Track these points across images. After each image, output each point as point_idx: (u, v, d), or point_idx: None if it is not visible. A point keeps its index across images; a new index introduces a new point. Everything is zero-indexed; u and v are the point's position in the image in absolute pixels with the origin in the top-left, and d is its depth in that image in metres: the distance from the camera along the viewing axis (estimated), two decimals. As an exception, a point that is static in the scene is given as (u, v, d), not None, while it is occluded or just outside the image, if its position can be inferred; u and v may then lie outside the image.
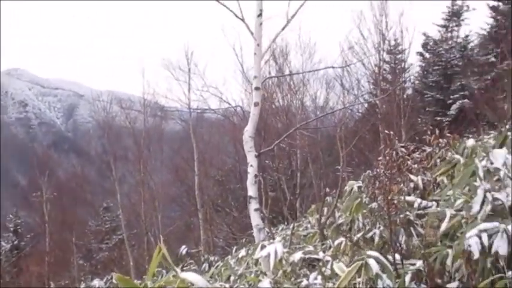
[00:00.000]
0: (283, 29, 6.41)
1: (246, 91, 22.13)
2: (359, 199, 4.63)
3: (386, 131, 5.96)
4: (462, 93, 19.85)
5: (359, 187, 4.80)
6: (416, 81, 23.85)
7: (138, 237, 26.85)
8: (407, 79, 24.57)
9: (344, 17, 24.70)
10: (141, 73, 26.12)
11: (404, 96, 25.01)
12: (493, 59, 19.20)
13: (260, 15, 6.10)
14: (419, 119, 21.37)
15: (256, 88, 6.21)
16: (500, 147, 4.36)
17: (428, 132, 5.39)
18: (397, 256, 3.93)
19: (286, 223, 14.86)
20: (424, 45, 22.72)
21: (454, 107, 19.36)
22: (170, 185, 27.61)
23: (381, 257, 3.11)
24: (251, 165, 6.21)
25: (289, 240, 7.66)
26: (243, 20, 6.27)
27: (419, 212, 4.70)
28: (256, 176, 6.18)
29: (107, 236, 31.46)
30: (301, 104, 23.59)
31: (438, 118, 20.43)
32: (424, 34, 22.57)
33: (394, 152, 5.13)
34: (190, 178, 23.36)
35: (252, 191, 6.16)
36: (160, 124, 27.84)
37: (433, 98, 21.12)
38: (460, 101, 19.23)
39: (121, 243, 28.05)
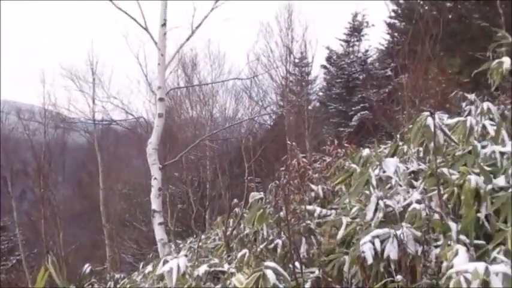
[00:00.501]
0: (187, 39, 6.35)
1: (150, 102, 21.72)
2: (261, 210, 4.65)
3: (288, 142, 6.09)
4: (362, 105, 20.94)
5: (261, 198, 4.83)
6: (321, 93, 24.84)
7: (39, 258, 25.17)
8: (313, 91, 25.56)
9: (253, 29, 24.99)
10: (41, 82, 24.66)
11: (310, 107, 25.97)
12: (390, 73, 20.48)
13: (164, 24, 5.98)
14: (323, 130, 22.25)
15: (161, 99, 6.06)
16: (392, 156, 4.61)
17: (328, 143, 5.60)
18: (298, 265, 3.99)
19: (195, 236, 14.70)
20: (328, 59, 23.75)
21: (355, 118, 20.36)
22: (73, 200, 26.26)
23: (279, 268, 3.12)
24: (155, 178, 6.03)
25: (196, 254, 7.54)
26: (146, 29, 6.12)
27: (319, 220, 4.82)
28: (160, 189, 6.01)
29: (4, 258, 29.18)
30: (210, 115, 23.61)
31: (341, 129, 21.40)
32: (328, 48, 23.62)
33: (296, 163, 5.24)
34: (95, 193, 22.40)
35: (155, 204, 5.97)
36: (62, 136, 26.42)
37: (336, 110, 22.08)
38: (361, 113, 20.26)
39: (19, 264, 26.13)
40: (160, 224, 5.96)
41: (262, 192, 4.84)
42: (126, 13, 5.90)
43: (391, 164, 4.12)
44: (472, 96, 7.24)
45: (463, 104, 6.84)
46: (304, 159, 5.20)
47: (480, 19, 10.79)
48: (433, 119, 3.54)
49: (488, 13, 10.62)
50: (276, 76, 21.53)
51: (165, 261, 4.46)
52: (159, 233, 5.95)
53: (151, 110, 22.00)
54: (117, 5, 5.90)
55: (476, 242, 3.46)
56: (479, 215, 3.53)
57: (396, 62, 10.91)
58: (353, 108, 21.19)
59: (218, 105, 24.49)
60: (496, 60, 4.72)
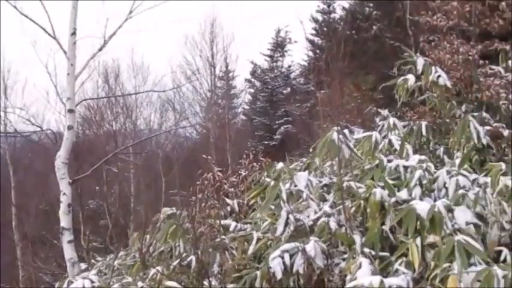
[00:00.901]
0: (100, 49, 6.15)
1: (60, 113, 20.72)
2: (174, 226, 4.53)
3: (203, 156, 6.04)
4: (286, 118, 21.34)
5: (173, 213, 4.72)
6: (246, 107, 25.06)
7: None
8: (239, 104, 25.74)
9: (179, 42, 24.72)
10: None
11: (236, 120, 26.10)
12: (312, 88, 21.08)
13: (74, 33, 5.75)
14: (248, 143, 22.40)
15: (70, 110, 5.80)
16: (306, 170, 4.68)
17: (244, 156, 5.60)
18: (209, 282, 3.92)
19: (115, 252, 14.12)
20: (252, 73, 24.04)
21: (279, 131, 20.68)
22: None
23: (178, 286, 3.04)
24: (64, 194, 5.75)
25: (112, 271, 7.22)
26: (54, 37, 5.84)
27: (235, 235, 4.78)
28: (69, 205, 5.74)
29: None
30: (134, 127, 23.01)
31: (266, 142, 21.65)
32: (252, 62, 23.91)
33: (212, 177, 5.18)
34: (7, 209, 20.97)
35: (64, 221, 5.69)
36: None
37: (261, 123, 22.34)
38: (284, 126, 20.62)
39: None
40: (69, 242, 5.69)
41: (174, 208, 4.72)
42: (33, 21, 5.61)
43: (303, 178, 4.17)
44: (385, 112, 7.59)
45: (377, 119, 7.15)
46: (219, 173, 5.16)
47: (392, 39, 11.39)
48: (338, 134, 3.62)
49: (399, 34, 11.24)
50: (200, 89, 21.43)
51: (70, 282, 4.23)
52: (69, 252, 5.67)
53: (62, 122, 21.07)
54: (24, 11, 5.60)
55: (381, 254, 3.57)
56: (384, 227, 3.65)
57: (314, 78, 11.23)
58: (277, 122, 21.54)
59: (142, 117, 23.94)
60: (402, 78, 4.95)
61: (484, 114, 5.72)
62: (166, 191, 17.74)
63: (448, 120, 5.80)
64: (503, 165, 3.69)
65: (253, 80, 24.17)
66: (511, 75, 5.76)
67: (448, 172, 3.95)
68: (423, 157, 4.19)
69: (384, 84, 5.32)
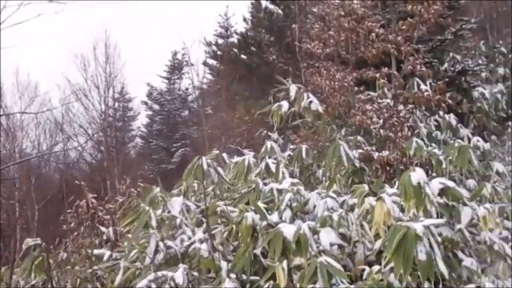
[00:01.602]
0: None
1: None
2: (40, 258, 4.19)
3: (77, 182, 5.69)
4: (184, 141, 21.13)
5: (38, 244, 4.36)
6: (143, 129, 24.49)
7: None
8: (137, 127, 25.07)
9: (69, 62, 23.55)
10: None
11: (133, 143, 25.40)
12: (210, 111, 21.14)
13: None
14: (145, 166, 21.85)
15: None
16: (184, 195, 4.58)
17: (122, 182, 5.38)
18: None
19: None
20: (149, 95, 23.61)
21: (177, 154, 20.40)
22: None
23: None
24: None
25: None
26: None
27: (108, 264, 4.53)
28: None
29: None
30: (20, 149, 21.45)
31: (163, 165, 21.24)
32: (149, 84, 23.51)
33: (85, 204, 4.90)
34: None
35: None
36: None
37: (158, 146, 21.91)
38: (182, 149, 20.39)
39: None
40: None
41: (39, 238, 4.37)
42: None
43: (177, 203, 4.06)
44: (274, 135, 7.76)
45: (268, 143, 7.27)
46: (93, 200, 4.88)
47: (284, 64, 11.77)
48: (208, 159, 3.58)
49: (290, 59, 11.66)
50: (92, 110, 20.53)
51: None
52: None
53: None
54: None
55: (252, 278, 3.55)
56: (255, 251, 3.64)
57: (208, 101, 11.27)
58: (174, 145, 21.26)
59: (30, 139, 22.41)
60: (276, 104, 5.07)
61: (359, 138, 6.06)
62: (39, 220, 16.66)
63: (328, 144, 6.04)
64: (366, 187, 3.86)
65: (149, 102, 23.72)
66: (386, 101, 6.16)
67: (319, 194, 4.07)
68: (295, 180, 4.28)
69: (260, 112, 5.43)
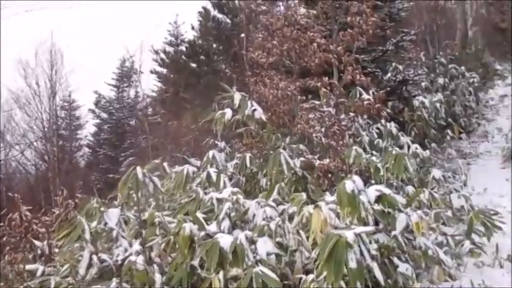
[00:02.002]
0: None
1: None
2: (-35, 275, 3.96)
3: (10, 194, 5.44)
4: (132, 150, 20.69)
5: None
6: (91, 138, 23.85)
7: None
8: (84, 136, 24.38)
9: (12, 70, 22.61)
10: None
11: (80, 153, 24.65)
12: (159, 119, 20.82)
13: None
14: (93, 176, 21.25)
15: None
16: (123, 206, 4.45)
17: (59, 193, 5.18)
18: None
19: None
20: (97, 104, 23.04)
21: (125, 164, 19.94)
22: None
23: None
24: None
25: None
26: None
27: (41, 280, 4.33)
28: None
29: None
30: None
31: (111, 175, 20.69)
32: (96, 92, 22.93)
33: (19, 217, 4.69)
34: None
35: None
36: None
37: (106, 155, 21.38)
38: (130, 158, 19.95)
39: None
40: None
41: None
42: None
43: (114, 215, 3.95)
44: (222, 144, 7.70)
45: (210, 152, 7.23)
46: (27, 213, 4.68)
47: (232, 72, 11.77)
48: (144, 169, 3.50)
49: (238, 68, 11.68)
50: (37, 120, 19.74)
51: None
52: None
53: None
54: None
55: (190, 289, 3.49)
56: (193, 262, 3.58)
57: (157, 110, 11.11)
58: (122, 154, 20.78)
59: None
60: (220, 111, 5.05)
61: (302, 146, 6.11)
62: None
63: (272, 152, 6.04)
64: (304, 196, 3.88)
65: (97, 110, 23.14)
66: (330, 109, 6.24)
67: (258, 203, 4.06)
68: (235, 189, 4.25)
69: (204, 120, 5.39)
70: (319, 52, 5.88)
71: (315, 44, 5.87)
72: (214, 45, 12.45)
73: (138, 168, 3.55)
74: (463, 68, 12.46)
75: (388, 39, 9.60)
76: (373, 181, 5.04)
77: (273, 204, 4.02)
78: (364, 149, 6.81)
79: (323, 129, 5.73)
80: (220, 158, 5.45)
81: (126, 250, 3.83)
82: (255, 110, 5.00)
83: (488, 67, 16.73)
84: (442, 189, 7.41)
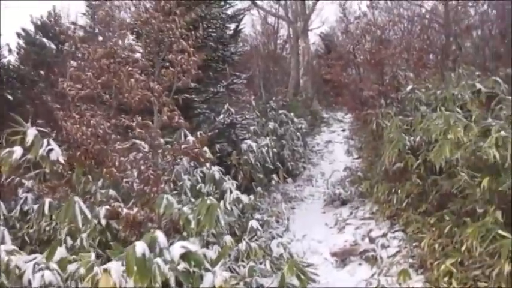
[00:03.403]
0: None
1: None
2: None
3: None
4: None
5: None
6: None
7: None
8: None
9: None
10: None
11: None
12: None
13: None
14: None
15: None
16: None
17: None
18: None
19: None
20: None
21: None
22: None
23: None
24: None
25: None
26: None
27: None
28: None
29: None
30: None
31: None
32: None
33: None
34: None
35: None
36: None
37: None
38: None
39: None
40: None
41: None
42: None
43: None
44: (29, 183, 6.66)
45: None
46: None
47: (52, 102, 10.59)
48: None
49: (60, 98, 10.56)
50: None
51: None
52: None
53: None
54: None
55: None
56: None
57: None
58: None
59: None
60: (7, 149, 4.18)
61: (111, 191, 5.48)
62: None
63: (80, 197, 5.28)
64: (92, 256, 3.29)
65: None
66: (144, 152, 5.71)
67: (37, 265, 3.32)
68: (10, 247, 3.46)
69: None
70: (136, 89, 5.38)
71: (132, 80, 5.36)
72: (33, 72, 11.17)
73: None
74: (292, 114, 13.03)
75: (220, 81, 9.54)
76: (185, 233, 4.63)
77: (55, 266, 3.32)
78: (186, 194, 6.43)
79: (136, 174, 5.19)
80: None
81: None
82: (51, 149, 4.25)
83: (316, 114, 17.94)
84: (265, 235, 7.35)
